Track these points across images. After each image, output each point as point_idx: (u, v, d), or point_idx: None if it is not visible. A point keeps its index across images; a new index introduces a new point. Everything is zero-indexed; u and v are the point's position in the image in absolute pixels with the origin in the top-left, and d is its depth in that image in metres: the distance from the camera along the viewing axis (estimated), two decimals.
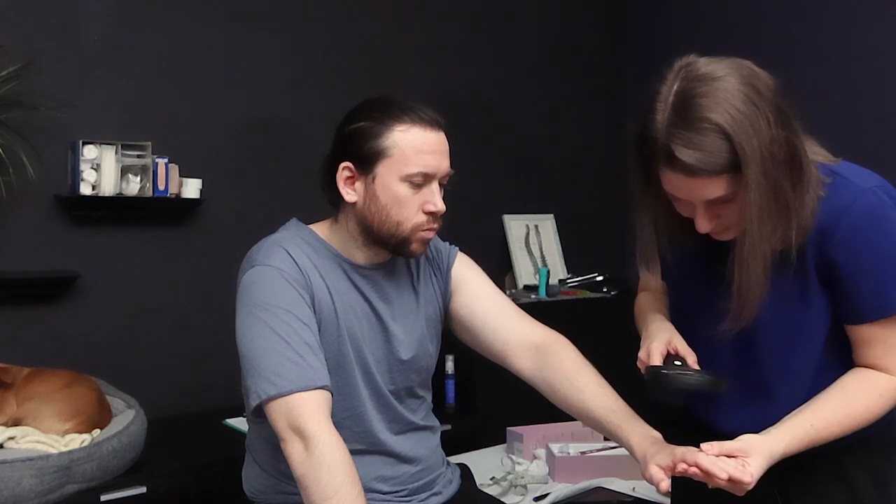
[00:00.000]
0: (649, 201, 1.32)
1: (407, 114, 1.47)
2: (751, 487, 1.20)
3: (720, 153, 1.15)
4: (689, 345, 1.37)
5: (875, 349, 1.28)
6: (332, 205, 1.57)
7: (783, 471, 1.33)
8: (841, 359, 1.32)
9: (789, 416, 1.27)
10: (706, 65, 1.20)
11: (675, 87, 1.19)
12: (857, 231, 1.23)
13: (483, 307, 1.65)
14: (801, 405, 1.30)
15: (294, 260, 1.48)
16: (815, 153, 1.28)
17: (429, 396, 1.69)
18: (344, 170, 1.50)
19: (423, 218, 1.49)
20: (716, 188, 1.19)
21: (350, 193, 1.51)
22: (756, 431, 1.32)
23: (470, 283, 1.67)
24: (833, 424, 1.26)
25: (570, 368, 1.55)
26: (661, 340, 1.37)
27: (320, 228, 1.58)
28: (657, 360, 1.34)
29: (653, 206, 1.32)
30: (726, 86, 1.17)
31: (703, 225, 1.25)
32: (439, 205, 1.49)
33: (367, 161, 1.48)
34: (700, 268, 1.38)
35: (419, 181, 1.47)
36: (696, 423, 1.48)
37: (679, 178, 1.20)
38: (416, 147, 1.46)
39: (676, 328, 1.42)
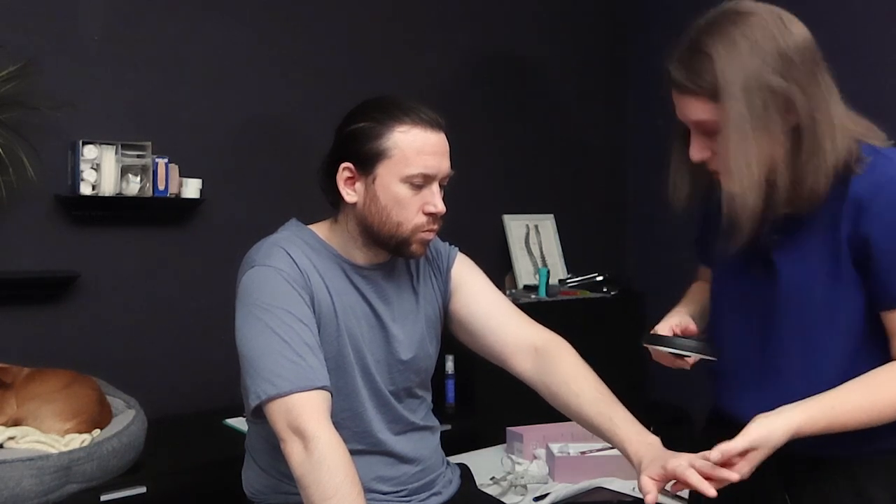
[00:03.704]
0: (680, 151, 1.36)
1: (407, 114, 1.47)
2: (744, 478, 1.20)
3: (704, 74, 1.21)
4: (716, 331, 1.40)
5: None
6: (332, 205, 1.57)
7: (797, 476, 1.33)
8: (873, 360, 1.26)
9: (812, 397, 1.23)
10: (742, 5, 1.25)
11: (700, 22, 1.26)
12: (894, 206, 1.20)
13: (483, 309, 1.65)
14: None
15: (294, 260, 1.48)
16: (866, 135, 1.26)
17: (428, 397, 1.69)
18: (344, 170, 1.50)
19: (423, 219, 1.49)
20: (698, 110, 1.24)
21: (350, 194, 1.51)
22: None
23: (469, 283, 1.67)
24: (856, 410, 1.21)
25: (569, 373, 1.55)
26: (671, 321, 1.42)
27: (320, 229, 1.58)
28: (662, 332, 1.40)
29: (681, 152, 1.36)
30: (742, 23, 1.21)
31: (693, 152, 1.29)
32: (439, 206, 1.49)
33: (367, 162, 1.48)
34: (737, 257, 1.37)
35: (419, 182, 1.47)
36: (722, 414, 1.45)
37: (674, 95, 1.27)
38: (417, 148, 1.46)
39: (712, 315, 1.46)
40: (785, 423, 1.20)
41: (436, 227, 1.52)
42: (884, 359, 1.26)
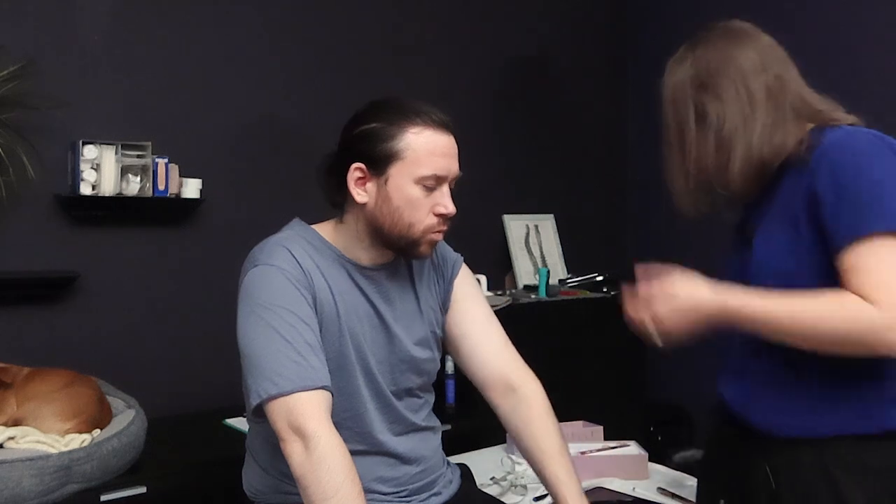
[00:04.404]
0: None
1: (420, 116, 1.47)
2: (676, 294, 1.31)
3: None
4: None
5: (858, 277, 1.24)
6: (336, 205, 1.57)
7: (776, 481, 1.35)
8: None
9: None
10: (716, 25, 1.45)
11: None
12: (835, 160, 1.29)
13: (474, 333, 1.68)
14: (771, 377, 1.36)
15: (297, 260, 1.48)
16: (832, 121, 1.37)
17: (430, 398, 1.69)
18: (355, 170, 1.50)
19: (433, 220, 1.50)
20: None
21: (361, 194, 1.51)
22: (740, 403, 1.39)
23: (467, 300, 1.69)
24: (783, 311, 1.26)
25: (536, 427, 1.61)
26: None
27: (323, 229, 1.58)
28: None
29: None
30: (693, 45, 1.43)
31: None
32: (450, 207, 1.50)
33: (379, 162, 1.48)
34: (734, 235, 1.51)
35: (431, 184, 1.48)
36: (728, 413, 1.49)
37: None
38: (429, 150, 1.47)
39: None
40: (712, 288, 1.30)
41: (445, 228, 1.53)
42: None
